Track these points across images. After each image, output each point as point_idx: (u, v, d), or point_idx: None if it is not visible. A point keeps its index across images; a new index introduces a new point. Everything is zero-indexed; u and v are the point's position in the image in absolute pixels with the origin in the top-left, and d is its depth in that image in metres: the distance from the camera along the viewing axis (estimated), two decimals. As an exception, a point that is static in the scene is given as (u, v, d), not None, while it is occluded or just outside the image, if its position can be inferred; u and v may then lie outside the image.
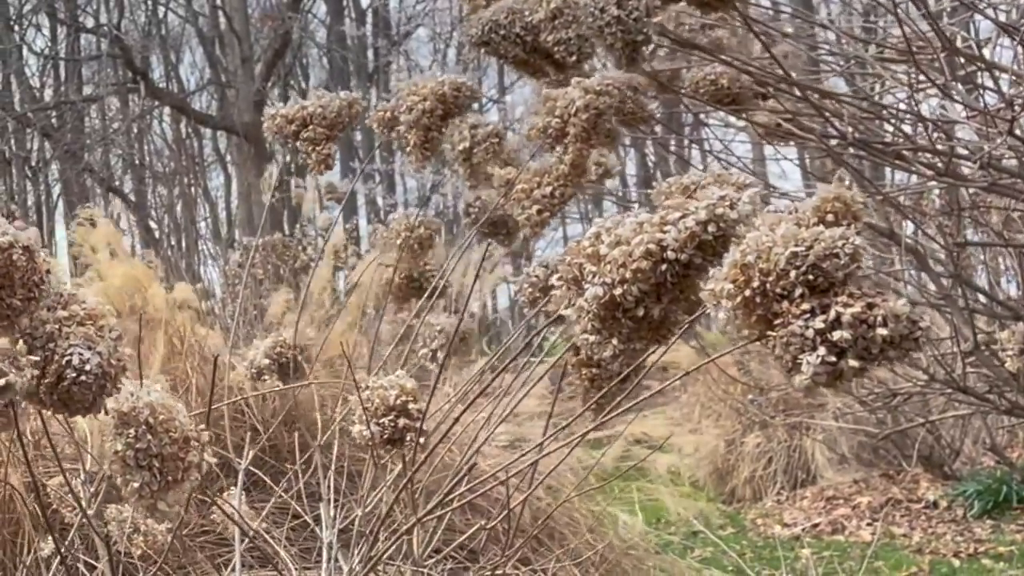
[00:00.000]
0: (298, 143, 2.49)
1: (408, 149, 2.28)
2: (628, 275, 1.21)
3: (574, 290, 1.24)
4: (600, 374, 1.62)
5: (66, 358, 1.31)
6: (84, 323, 1.35)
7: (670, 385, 1.55)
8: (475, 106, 2.40)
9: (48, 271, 1.35)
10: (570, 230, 17.73)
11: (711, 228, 1.20)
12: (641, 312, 1.23)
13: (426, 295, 2.59)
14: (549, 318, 2.04)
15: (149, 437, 1.26)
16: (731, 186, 1.33)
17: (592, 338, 1.22)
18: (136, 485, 1.25)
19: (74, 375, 1.30)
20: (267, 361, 2.54)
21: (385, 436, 1.75)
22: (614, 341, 1.22)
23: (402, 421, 1.73)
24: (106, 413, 1.31)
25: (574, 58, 2.20)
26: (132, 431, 1.26)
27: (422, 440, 1.76)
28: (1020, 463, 7.14)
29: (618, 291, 1.22)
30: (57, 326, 1.33)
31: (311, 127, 2.45)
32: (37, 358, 1.31)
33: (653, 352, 1.34)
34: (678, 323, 1.25)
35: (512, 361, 2.33)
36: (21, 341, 1.33)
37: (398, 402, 1.75)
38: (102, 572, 2.39)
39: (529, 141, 2.11)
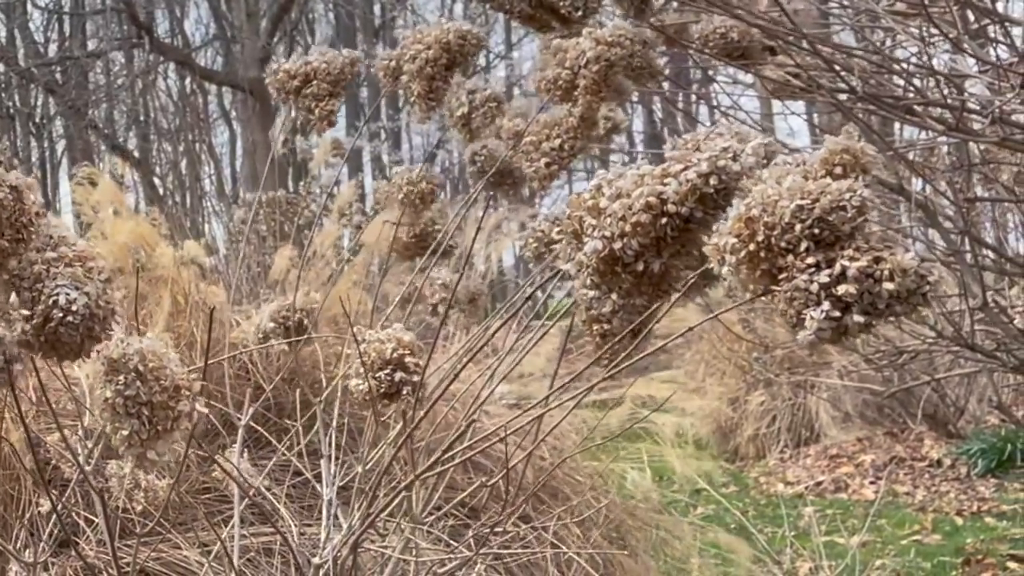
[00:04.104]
0: (299, 100, 2.45)
1: (412, 99, 2.25)
2: (628, 228, 1.18)
3: (574, 244, 1.22)
4: (612, 329, 1.60)
5: (52, 298, 1.29)
6: (72, 264, 1.33)
7: (674, 343, 1.53)
8: (482, 62, 2.35)
9: (38, 214, 1.33)
10: (576, 187, 17.71)
11: (712, 181, 1.17)
12: (641, 266, 1.20)
13: (430, 251, 2.56)
14: (552, 272, 2.01)
15: (138, 384, 1.23)
16: (736, 137, 1.30)
17: (591, 293, 1.19)
18: (125, 433, 1.23)
19: (60, 315, 1.28)
20: (272, 325, 2.53)
21: (381, 390, 1.73)
22: (614, 296, 1.19)
23: (398, 375, 1.71)
24: (97, 356, 1.29)
25: (580, 13, 2.16)
26: (122, 378, 1.23)
27: (420, 394, 1.74)
28: (1026, 422, 7.14)
29: (617, 245, 1.19)
30: (45, 267, 1.32)
31: (315, 83, 2.42)
32: (26, 298, 1.30)
33: (660, 308, 1.31)
34: (679, 278, 1.22)
35: (515, 315, 2.31)
36: (7, 286, 1.32)
37: (395, 355, 1.72)
38: (101, 528, 2.38)
39: (538, 94, 2.07)
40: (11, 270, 1.31)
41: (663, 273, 1.21)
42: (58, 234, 1.34)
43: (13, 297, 1.33)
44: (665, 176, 1.17)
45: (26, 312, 1.30)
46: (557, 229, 1.25)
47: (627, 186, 1.18)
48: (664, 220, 1.17)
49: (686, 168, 1.18)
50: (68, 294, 1.29)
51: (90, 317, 1.28)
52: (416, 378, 1.72)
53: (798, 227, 1.11)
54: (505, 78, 19.67)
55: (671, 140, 1.63)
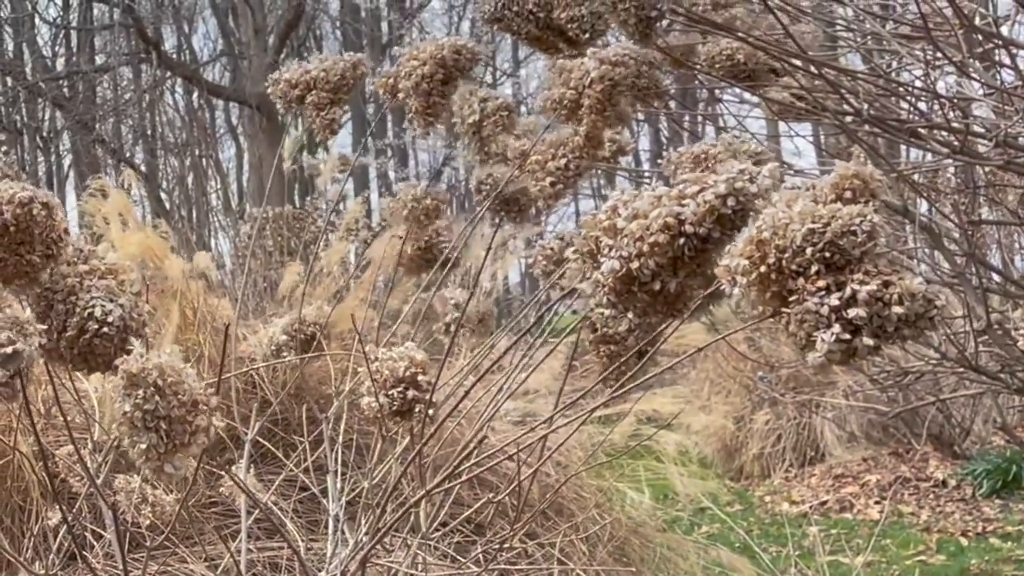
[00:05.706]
0: (303, 109, 2.47)
1: (410, 116, 2.26)
2: (645, 248, 1.20)
3: (590, 263, 1.23)
4: (617, 351, 1.61)
5: (88, 310, 1.32)
6: (105, 277, 1.36)
7: (681, 362, 1.54)
8: (488, 79, 2.37)
9: (66, 230, 1.36)
10: (582, 205, 17.74)
11: (730, 202, 1.19)
12: (657, 286, 1.22)
13: (437, 265, 2.58)
14: (562, 292, 2.03)
15: (157, 399, 1.25)
16: (744, 155, 1.31)
17: (608, 312, 1.21)
18: (143, 447, 1.25)
19: (96, 327, 1.32)
20: (285, 337, 2.54)
21: (394, 408, 1.74)
22: (630, 315, 1.21)
23: (411, 393, 1.72)
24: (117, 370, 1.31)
25: (587, 35, 2.17)
26: (141, 392, 1.25)
27: (431, 412, 1.75)
28: (1030, 443, 7.13)
29: (635, 264, 1.20)
30: (78, 279, 1.35)
31: (315, 91, 2.43)
32: (59, 310, 1.33)
33: (668, 327, 1.33)
34: (694, 298, 1.24)
35: (523, 335, 2.32)
36: (39, 299, 1.34)
37: (407, 374, 1.73)
38: (109, 541, 2.39)
39: (543, 113, 2.09)
40: (42, 283, 1.34)
41: (679, 292, 1.22)
42: (87, 248, 1.37)
43: (28, 312, 1.35)
44: (683, 197, 1.19)
45: (58, 323, 1.32)
46: (572, 249, 1.26)
47: (644, 207, 1.20)
48: (682, 240, 1.19)
49: (703, 189, 1.19)
50: (104, 305, 1.32)
51: (124, 328, 1.32)
52: (428, 396, 1.73)
53: (809, 250, 1.13)
54: (512, 96, 19.71)
55: (667, 153, 1.65)
